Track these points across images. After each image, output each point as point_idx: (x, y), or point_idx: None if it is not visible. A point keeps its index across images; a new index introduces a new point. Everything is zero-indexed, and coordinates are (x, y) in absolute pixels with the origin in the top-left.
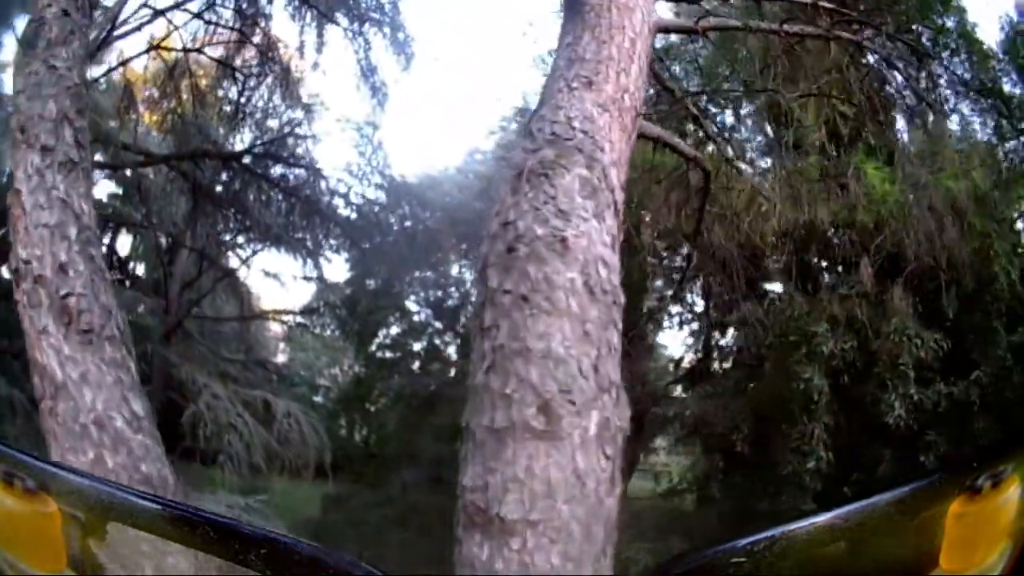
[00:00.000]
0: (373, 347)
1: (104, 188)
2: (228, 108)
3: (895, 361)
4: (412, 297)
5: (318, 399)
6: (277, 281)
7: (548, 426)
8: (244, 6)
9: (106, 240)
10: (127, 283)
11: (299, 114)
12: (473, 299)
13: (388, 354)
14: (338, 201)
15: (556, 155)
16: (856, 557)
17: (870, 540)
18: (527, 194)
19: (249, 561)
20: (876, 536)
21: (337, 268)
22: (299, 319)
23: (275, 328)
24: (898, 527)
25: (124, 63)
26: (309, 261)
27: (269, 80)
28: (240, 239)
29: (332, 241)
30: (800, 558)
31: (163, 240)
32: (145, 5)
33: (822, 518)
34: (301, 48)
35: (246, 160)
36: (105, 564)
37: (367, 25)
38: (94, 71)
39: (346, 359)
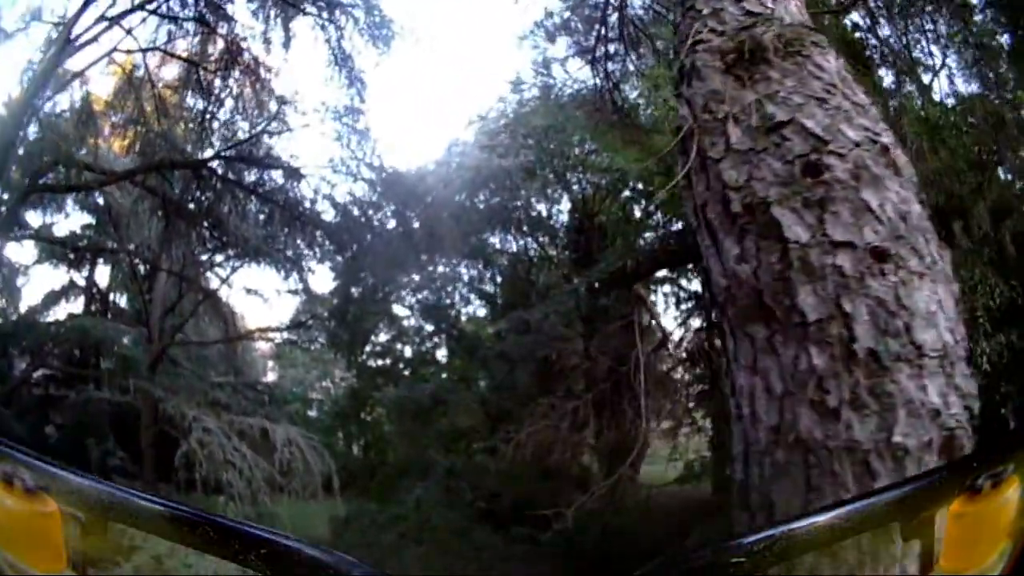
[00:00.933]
0: (364, 356)
1: (77, 220)
2: (195, 115)
3: (973, 314)
4: (403, 301)
5: (312, 413)
6: (260, 298)
7: None
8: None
9: (84, 272)
10: (108, 314)
11: (271, 107)
12: (467, 295)
13: (380, 362)
14: (321, 204)
15: (794, 32)
16: (856, 557)
17: (870, 540)
18: (783, 80)
19: (249, 561)
20: (876, 536)
21: (321, 278)
22: (286, 335)
23: (262, 347)
24: (898, 527)
25: (80, 73)
26: (293, 274)
27: (237, 76)
28: (219, 257)
29: (316, 249)
30: (800, 558)
31: (140, 266)
32: (103, 18)
33: (822, 518)
34: (267, 41)
35: (217, 167)
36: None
37: (338, 12)
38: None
39: (337, 370)
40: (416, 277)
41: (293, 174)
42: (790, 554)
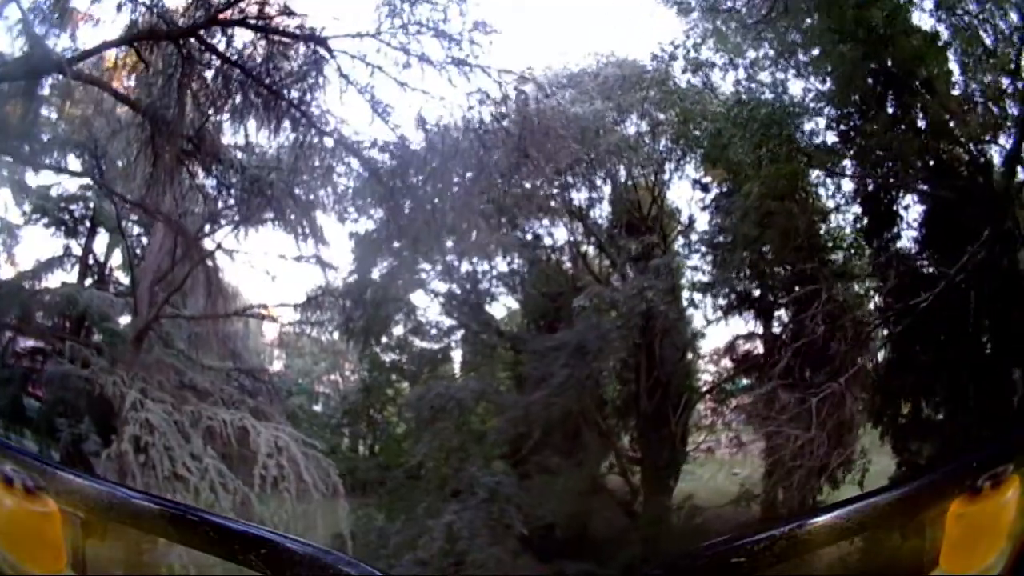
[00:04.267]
0: (379, 348)
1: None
2: None
3: None
4: (432, 289)
5: (318, 408)
6: (262, 269)
7: None
8: None
9: (82, 241)
10: (107, 285)
11: None
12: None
13: (394, 356)
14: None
15: None
16: (857, 557)
17: (870, 540)
18: None
19: (249, 561)
20: (876, 536)
21: (337, 251)
22: (297, 317)
23: (268, 333)
24: (898, 527)
25: None
26: (303, 233)
27: None
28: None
29: (340, 204)
30: (801, 558)
31: (131, 224)
32: None
33: (822, 518)
34: None
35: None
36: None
37: None
38: None
39: (347, 363)
40: (446, 261)
41: (315, 59)
42: (790, 554)
